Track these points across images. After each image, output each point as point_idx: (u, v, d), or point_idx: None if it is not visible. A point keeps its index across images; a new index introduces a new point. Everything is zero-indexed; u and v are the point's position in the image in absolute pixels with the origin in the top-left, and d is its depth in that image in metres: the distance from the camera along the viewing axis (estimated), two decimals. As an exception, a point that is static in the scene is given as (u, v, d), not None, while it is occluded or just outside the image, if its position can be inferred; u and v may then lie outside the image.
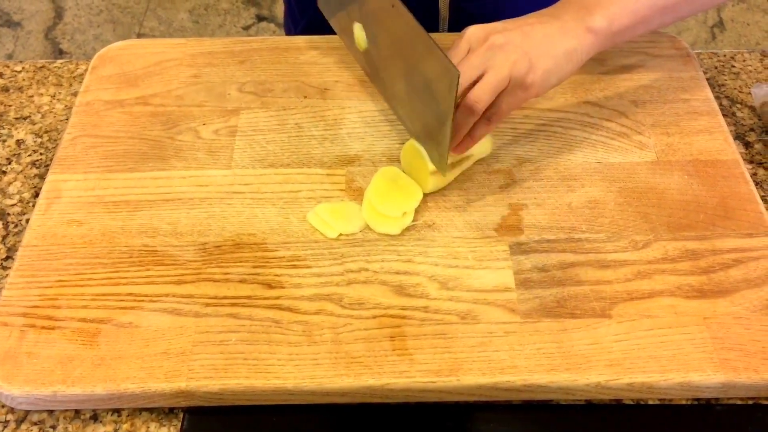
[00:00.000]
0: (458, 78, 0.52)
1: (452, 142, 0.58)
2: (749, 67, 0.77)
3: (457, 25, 0.81)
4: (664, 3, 0.61)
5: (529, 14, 0.61)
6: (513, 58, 0.56)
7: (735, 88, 0.75)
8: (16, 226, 0.64)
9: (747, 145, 0.70)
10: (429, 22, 0.81)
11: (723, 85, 0.76)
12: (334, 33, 0.74)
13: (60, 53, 1.99)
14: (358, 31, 0.65)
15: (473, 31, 0.58)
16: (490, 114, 0.58)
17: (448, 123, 0.56)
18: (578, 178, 0.64)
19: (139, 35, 2.04)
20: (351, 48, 0.69)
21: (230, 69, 0.74)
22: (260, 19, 2.12)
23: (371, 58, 0.67)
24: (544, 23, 0.58)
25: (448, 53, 0.60)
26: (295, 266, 0.58)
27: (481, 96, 0.56)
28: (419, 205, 0.62)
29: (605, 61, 0.73)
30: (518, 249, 0.59)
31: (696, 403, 0.54)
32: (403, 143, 0.66)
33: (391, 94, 0.67)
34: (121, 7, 2.14)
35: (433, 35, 0.77)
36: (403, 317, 0.55)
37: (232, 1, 2.16)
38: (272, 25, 2.11)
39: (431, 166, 0.61)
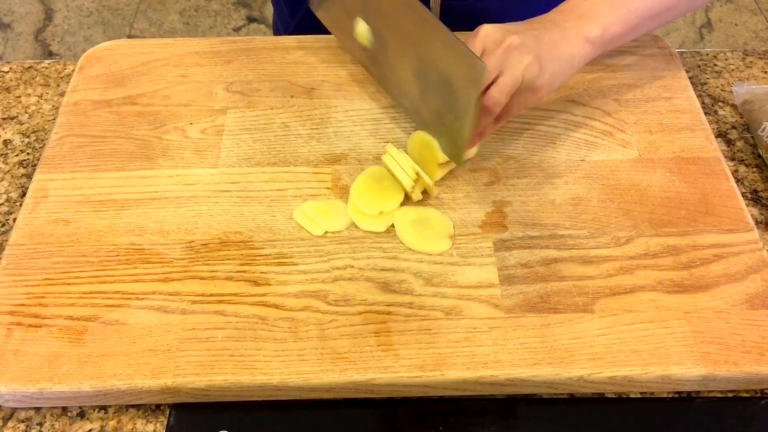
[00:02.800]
0: (484, 71, 0.53)
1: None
2: (731, 66, 0.78)
3: (447, 24, 0.82)
4: (652, 11, 0.64)
5: (532, 20, 0.63)
6: (527, 60, 0.57)
7: (717, 87, 0.76)
8: (3, 225, 0.64)
9: (729, 142, 0.71)
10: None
11: (705, 83, 0.77)
12: (324, 34, 0.74)
13: (50, 55, 1.99)
14: (361, 27, 0.65)
15: (489, 31, 0.59)
16: (500, 114, 0.60)
17: (469, 115, 0.56)
18: (562, 175, 0.65)
19: (130, 37, 2.04)
20: (347, 45, 0.70)
21: (217, 69, 0.74)
22: (251, 20, 2.12)
23: (373, 53, 0.67)
24: (549, 29, 0.61)
25: None
26: (281, 263, 0.59)
27: (499, 97, 0.58)
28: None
29: (589, 60, 0.74)
30: (502, 245, 0.60)
31: (677, 396, 0.55)
32: (388, 142, 0.67)
33: (397, 87, 0.67)
34: (111, 9, 2.14)
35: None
36: (389, 313, 0.56)
37: (222, 2, 2.16)
38: (263, 27, 2.11)
39: (441, 157, 0.62)
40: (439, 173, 0.64)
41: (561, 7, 0.64)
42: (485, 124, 0.60)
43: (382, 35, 0.64)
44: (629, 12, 0.62)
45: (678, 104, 0.71)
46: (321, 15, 0.73)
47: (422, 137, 0.64)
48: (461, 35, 0.67)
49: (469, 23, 0.78)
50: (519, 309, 0.56)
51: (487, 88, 0.58)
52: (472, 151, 0.64)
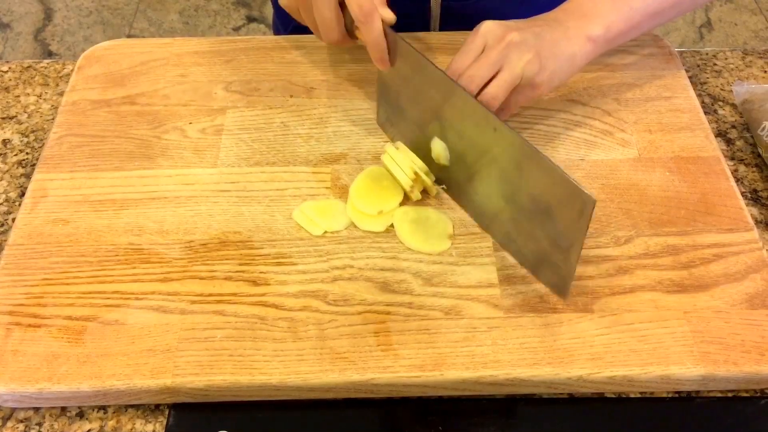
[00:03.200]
0: (593, 205, 0.49)
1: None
2: (731, 65, 0.78)
3: (447, 24, 0.82)
4: (654, 9, 0.64)
5: (534, 17, 0.63)
6: (527, 57, 0.57)
7: (717, 86, 0.76)
8: (2, 225, 0.64)
9: (728, 142, 0.71)
10: (421, 21, 0.82)
11: (705, 83, 0.76)
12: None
13: (49, 54, 1.99)
14: (438, 146, 0.62)
15: (490, 28, 0.59)
16: (498, 111, 0.60)
17: (577, 246, 0.52)
18: (561, 175, 0.65)
19: (129, 37, 2.04)
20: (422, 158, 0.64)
21: (216, 68, 0.74)
22: (250, 20, 2.12)
23: (451, 172, 0.63)
24: (551, 27, 0.61)
25: (462, 47, 0.60)
26: (280, 263, 0.59)
27: (497, 93, 0.57)
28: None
29: (589, 59, 0.74)
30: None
31: (677, 396, 0.55)
32: (387, 141, 0.67)
33: (479, 210, 0.62)
34: (110, 9, 2.14)
35: (425, 34, 0.78)
36: (388, 313, 0.56)
37: (222, 2, 2.16)
38: (262, 26, 2.11)
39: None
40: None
41: (564, 5, 0.64)
42: None
43: (464, 158, 0.60)
44: (631, 10, 0.62)
45: (678, 104, 0.71)
46: (387, 130, 0.69)
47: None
48: (462, 35, 0.66)
49: (469, 23, 0.78)
50: (518, 309, 0.56)
51: (487, 83, 0.58)
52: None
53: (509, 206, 0.58)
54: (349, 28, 0.62)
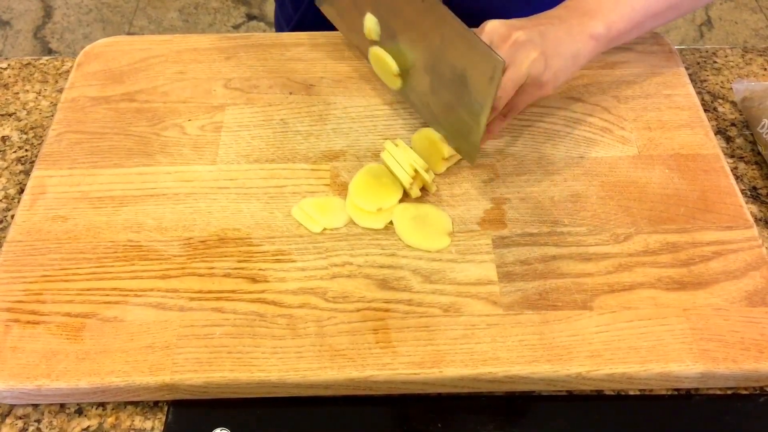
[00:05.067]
0: (502, 67, 0.53)
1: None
2: (731, 63, 0.78)
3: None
4: (655, 9, 0.64)
5: (537, 15, 0.63)
6: (533, 56, 0.58)
7: (717, 84, 0.76)
8: (1, 222, 0.64)
9: (728, 139, 0.71)
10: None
11: (705, 80, 0.76)
12: (325, 29, 0.74)
13: (49, 52, 1.99)
14: (370, 21, 0.65)
15: (495, 27, 0.60)
16: (505, 110, 0.60)
17: (485, 112, 0.56)
18: (561, 172, 0.65)
19: (129, 34, 2.04)
20: (353, 39, 0.69)
21: (216, 65, 0.74)
22: (250, 18, 2.12)
23: (381, 46, 0.67)
24: (555, 25, 0.61)
25: None
26: (279, 260, 0.59)
27: (503, 92, 0.58)
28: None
29: (588, 57, 0.74)
30: (501, 242, 0.60)
31: (676, 393, 0.55)
32: (387, 139, 0.67)
33: (406, 84, 0.67)
34: (110, 6, 2.14)
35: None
36: (387, 310, 0.56)
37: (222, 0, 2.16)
38: (262, 24, 2.11)
39: (446, 152, 0.63)
40: (444, 167, 0.64)
41: (566, 3, 0.64)
42: (492, 121, 0.60)
43: (392, 29, 0.64)
44: (633, 10, 0.63)
45: (677, 101, 0.71)
46: (326, 10, 0.72)
47: (427, 132, 0.64)
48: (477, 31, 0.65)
49: (469, 19, 0.78)
50: (518, 306, 0.56)
51: None
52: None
53: (430, 77, 0.61)
54: None
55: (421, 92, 0.65)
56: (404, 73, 0.65)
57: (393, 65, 0.65)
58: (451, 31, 0.57)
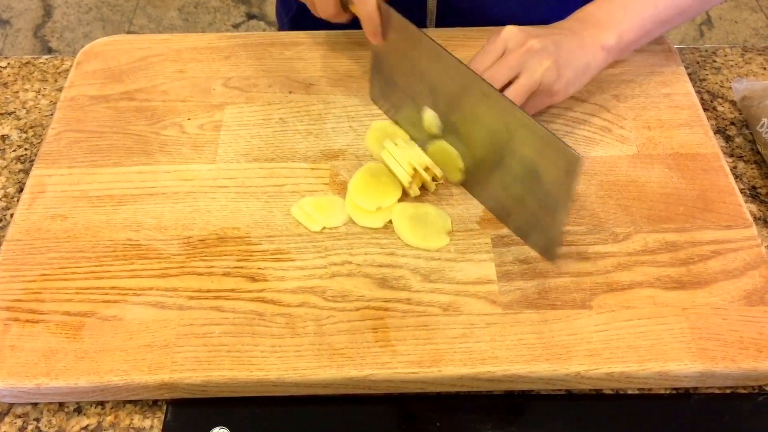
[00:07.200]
0: (580, 163, 0.50)
1: None
2: (730, 62, 0.78)
3: (443, 19, 0.82)
4: (664, 17, 0.66)
5: (552, 25, 0.64)
6: (546, 64, 0.59)
7: (716, 83, 0.76)
8: (0, 221, 0.64)
9: (727, 138, 0.71)
10: (418, 17, 0.82)
11: (704, 79, 0.76)
12: (321, 23, 0.74)
13: (49, 51, 1.99)
14: (430, 117, 0.63)
15: (512, 32, 0.61)
16: None
17: (565, 207, 0.54)
18: (560, 171, 0.65)
19: (129, 33, 2.04)
20: (413, 134, 0.66)
21: (215, 64, 0.74)
22: (250, 17, 2.12)
23: (448, 143, 0.64)
24: (567, 36, 0.62)
25: (482, 49, 0.61)
26: (278, 259, 0.59)
27: (515, 97, 0.58)
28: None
29: (588, 56, 0.74)
30: (500, 241, 0.60)
31: (674, 392, 0.55)
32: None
33: (471, 177, 0.63)
34: (110, 5, 2.14)
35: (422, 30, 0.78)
36: (386, 309, 0.56)
37: (221, -2, 2.16)
38: (262, 23, 2.11)
39: (462, 164, 0.62)
40: (461, 177, 0.63)
41: (578, 14, 0.66)
42: None
43: (453, 123, 0.61)
44: (643, 19, 0.64)
45: (677, 100, 0.71)
46: (381, 104, 0.70)
47: (442, 145, 0.63)
48: (462, 32, 0.66)
49: (466, 19, 0.78)
50: (517, 305, 0.56)
51: (504, 87, 0.59)
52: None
53: (500, 172, 0.59)
54: (344, 2, 0.63)
55: (488, 186, 0.61)
56: (469, 167, 0.62)
57: (459, 161, 0.62)
58: (515, 122, 0.55)
